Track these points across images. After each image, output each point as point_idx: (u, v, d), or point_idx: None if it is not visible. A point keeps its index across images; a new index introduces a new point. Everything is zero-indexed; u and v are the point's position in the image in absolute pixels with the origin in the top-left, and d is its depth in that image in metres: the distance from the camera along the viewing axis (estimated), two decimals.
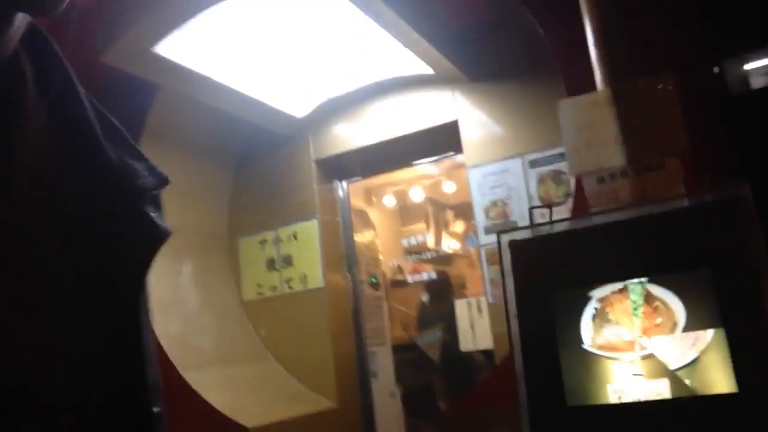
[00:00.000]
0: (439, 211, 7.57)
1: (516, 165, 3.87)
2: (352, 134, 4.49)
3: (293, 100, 4.29)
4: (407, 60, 3.90)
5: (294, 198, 4.60)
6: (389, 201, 7.01)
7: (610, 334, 1.54)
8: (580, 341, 1.56)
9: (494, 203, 3.90)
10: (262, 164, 4.77)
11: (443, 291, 5.70)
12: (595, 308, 1.57)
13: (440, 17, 3.69)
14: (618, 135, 2.45)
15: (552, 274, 1.68)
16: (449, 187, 6.90)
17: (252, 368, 4.39)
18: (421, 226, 7.59)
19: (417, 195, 7.01)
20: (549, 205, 1.93)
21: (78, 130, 0.72)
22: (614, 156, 2.45)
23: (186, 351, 4.02)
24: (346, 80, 4.21)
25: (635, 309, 1.53)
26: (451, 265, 7.25)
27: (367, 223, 5.79)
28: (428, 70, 4.00)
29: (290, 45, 3.68)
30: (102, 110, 0.80)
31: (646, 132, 2.44)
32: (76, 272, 0.67)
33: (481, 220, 3.92)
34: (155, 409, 0.73)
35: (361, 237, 5.60)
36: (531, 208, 1.92)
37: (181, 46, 3.41)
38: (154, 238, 0.75)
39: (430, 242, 7.43)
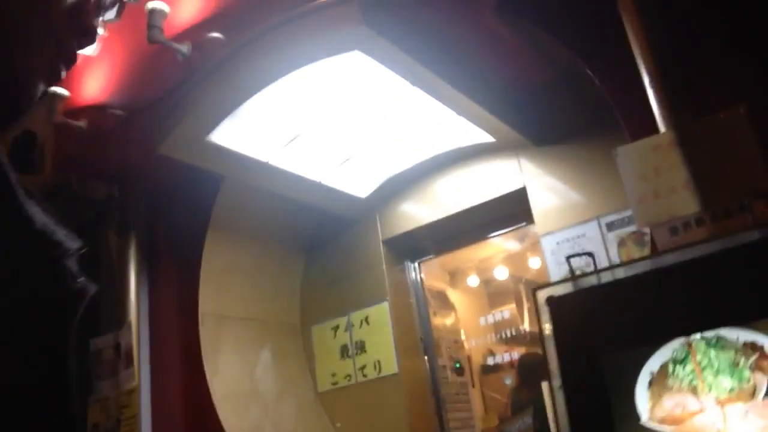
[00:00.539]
0: (531, 290, 7.18)
1: (593, 229, 3.57)
2: (418, 211, 4.36)
3: (355, 181, 4.25)
4: (467, 130, 3.78)
5: (364, 281, 4.46)
6: (473, 281, 6.71)
7: (672, 404, 1.24)
8: (637, 415, 1.27)
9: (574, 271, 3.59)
10: (331, 248, 4.70)
11: (533, 373, 5.26)
12: (651, 372, 1.28)
13: (495, 83, 3.57)
14: (688, 179, 2.17)
15: (600, 333, 1.41)
16: (537, 264, 6.54)
17: None
18: (512, 306, 7.21)
19: (502, 273, 6.69)
20: (590, 253, 1.68)
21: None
22: (686, 203, 2.16)
23: None
24: (407, 156, 4.13)
25: (703, 371, 1.23)
26: None
27: (447, 305, 5.54)
28: (489, 138, 3.85)
29: (346, 124, 3.67)
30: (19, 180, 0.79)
31: (720, 173, 2.14)
32: None
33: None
34: None
35: (441, 319, 5.35)
36: (568, 258, 1.67)
37: (237, 133, 3.46)
38: (77, 292, 0.76)
39: (524, 323, 7.01)
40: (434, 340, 4.73)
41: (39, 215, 0.73)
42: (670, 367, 1.28)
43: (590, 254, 1.65)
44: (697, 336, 1.29)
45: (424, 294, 4.70)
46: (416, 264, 4.66)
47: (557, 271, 3.63)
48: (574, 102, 3.54)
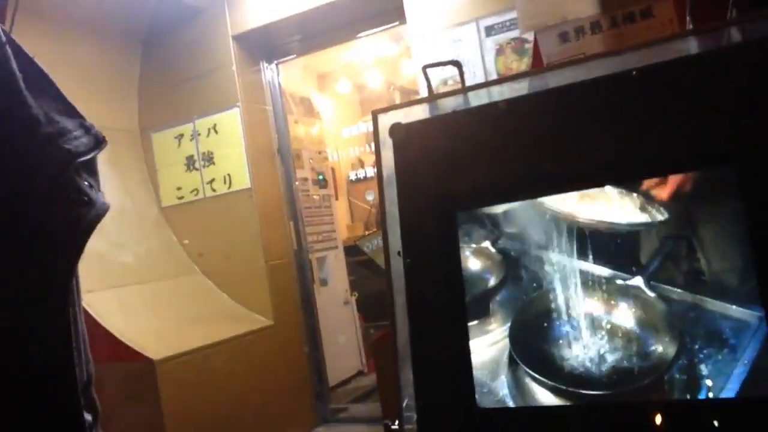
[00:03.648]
0: (372, 113, 6.77)
1: (470, 33, 3.13)
2: (274, 2, 3.67)
3: None
4: None
5: (212, 83, 3.84)
6: (343, 86, 6.19)
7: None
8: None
9: (444, 82, 3.19)
10: (172, 43, 3.95)
11: None
12: None
13: None
14: None
15: (460, 181, 1.02)
16: (410, 69, 6.08)
17: (175, 284, 3.81)
18: None
19: (375, 78, 6.20)
20: (456, 62, 1.26)
21: None
22: (581, 3, 1.75)
23: (98, 269, 3.41)
24: None
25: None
26: None
27: (312, 113, 5.07)
28: None
29: None
30: (28, 55, 0.72)
31: None
32: None
33: None
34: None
35: (305, 128, 4.91)
36: (425, 67, 1.25)
37: None
38: (89, 215, 0.68)
39: None
40: (295, 151, 4.31)
41: (42, 108, 0.65)
42: None
43: (456, 63, 1.22)
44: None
45: (284, 100, 4.17)
46: (274, 65, 4.06)
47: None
48: None
